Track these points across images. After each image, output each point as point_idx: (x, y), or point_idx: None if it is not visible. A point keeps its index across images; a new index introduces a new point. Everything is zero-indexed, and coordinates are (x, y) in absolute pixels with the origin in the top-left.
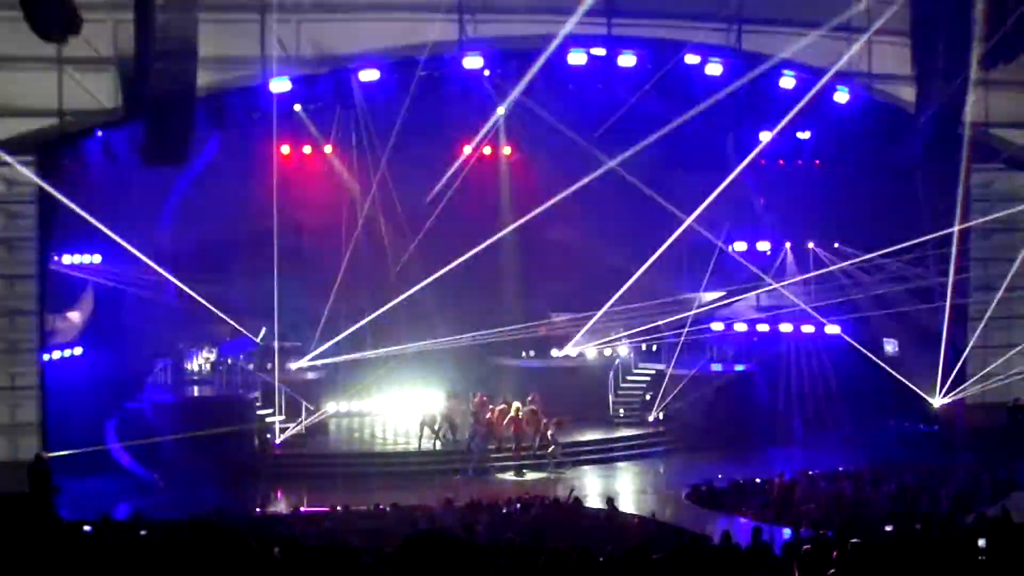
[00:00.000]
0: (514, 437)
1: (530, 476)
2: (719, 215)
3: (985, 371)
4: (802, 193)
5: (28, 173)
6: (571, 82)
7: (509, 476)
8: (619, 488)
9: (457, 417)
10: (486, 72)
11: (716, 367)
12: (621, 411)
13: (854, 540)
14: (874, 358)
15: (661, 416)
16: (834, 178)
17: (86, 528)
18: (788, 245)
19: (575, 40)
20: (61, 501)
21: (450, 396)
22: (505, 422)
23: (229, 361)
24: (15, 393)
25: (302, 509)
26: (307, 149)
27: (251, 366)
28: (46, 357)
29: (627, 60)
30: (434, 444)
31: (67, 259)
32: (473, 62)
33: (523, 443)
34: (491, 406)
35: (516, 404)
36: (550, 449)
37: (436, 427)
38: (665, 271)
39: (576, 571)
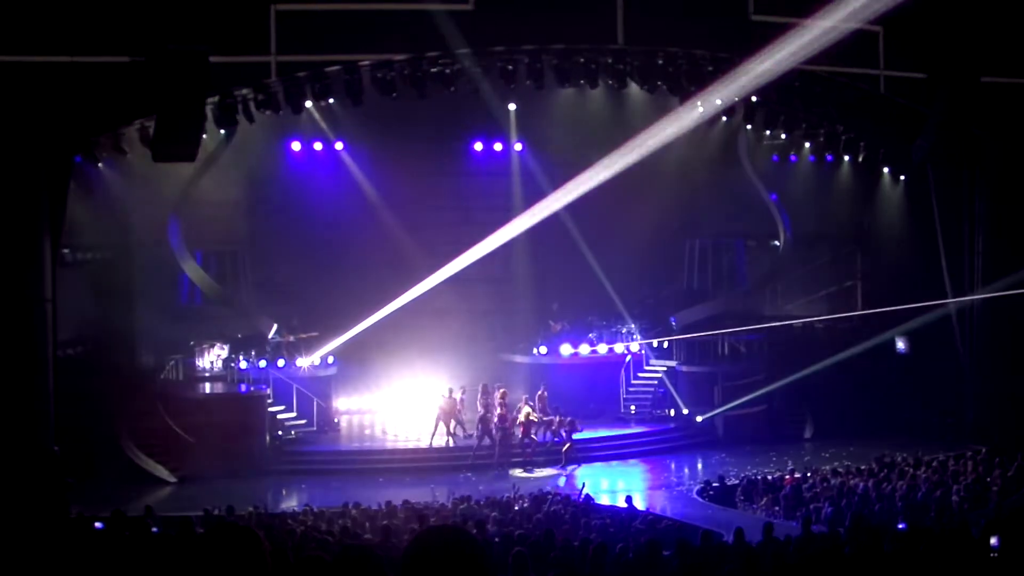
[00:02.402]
0: (523, 433)
1: (541, 472)
2: None
3: None
4: None
5: None
6: None
7: (520, 473)
8: (631, 485)
9: (466, 413)
10: None
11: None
12: (632, 408)
13: (866, 537)
14: None
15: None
16: None
17: (97, 524)
18: None
19: None
20: (71, 496)
21: (459, 391)
22: (516, 418)
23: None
24: (26, 387)
25: (314, 506)
26: (318, 146)
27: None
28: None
29: None
30: (447, 441)
31: None
32: None
33: (533, 439)
34: (499, 392)
35: (526, 405)
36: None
37: (448, 423)
38: None
39: (588, 567)
